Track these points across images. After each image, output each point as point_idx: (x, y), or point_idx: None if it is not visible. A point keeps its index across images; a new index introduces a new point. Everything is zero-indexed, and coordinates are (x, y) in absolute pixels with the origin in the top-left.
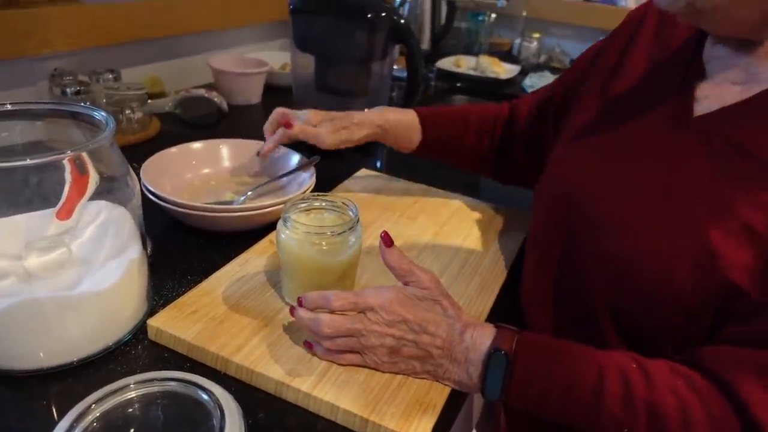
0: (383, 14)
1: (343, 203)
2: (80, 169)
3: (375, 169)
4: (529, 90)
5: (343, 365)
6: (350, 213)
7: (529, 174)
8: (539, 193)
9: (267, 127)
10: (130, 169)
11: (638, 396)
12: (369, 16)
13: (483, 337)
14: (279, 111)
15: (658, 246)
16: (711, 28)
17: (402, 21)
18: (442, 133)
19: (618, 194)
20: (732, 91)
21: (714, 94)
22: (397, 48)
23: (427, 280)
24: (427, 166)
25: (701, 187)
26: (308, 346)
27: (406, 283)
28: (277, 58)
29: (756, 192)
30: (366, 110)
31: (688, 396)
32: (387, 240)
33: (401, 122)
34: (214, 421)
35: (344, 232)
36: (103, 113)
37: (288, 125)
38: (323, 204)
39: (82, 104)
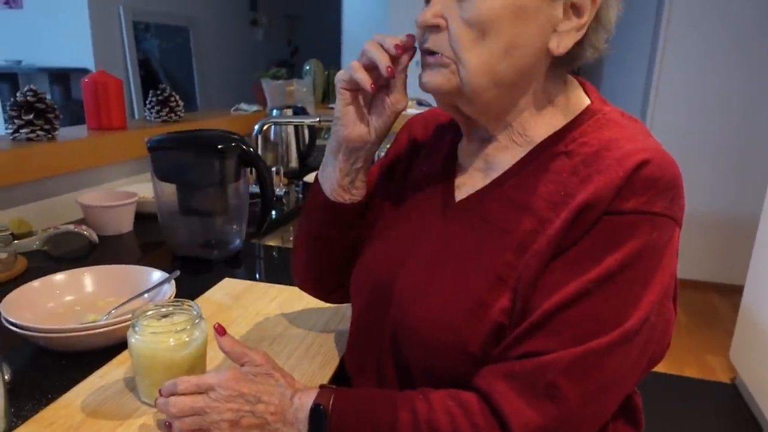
0: (233, 144)
1: (187, 305)
2: None
3: (239, 277)
4: None
5: None
6: (194, 312)
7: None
8: (356, 280)
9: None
10: None
11: (422, 419)
12: (219, 147)
13: (308, 398)
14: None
15: (445, 310)
16: (467, 109)
17: (249, 149)
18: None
19: (412, 273)
20: (479, 178)
21: (468, 182)
22: (248, 170)
23: (259, 358)
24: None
25: (466, 255)
26: (168, 426)
27: (241, 365)
28: (148, 188)
29: (502, 252)
30: None
31: (456, 411)
32: (220, 330)
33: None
34: None
35: (186, 328)
36: None
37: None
38: (169, 308)
39: None
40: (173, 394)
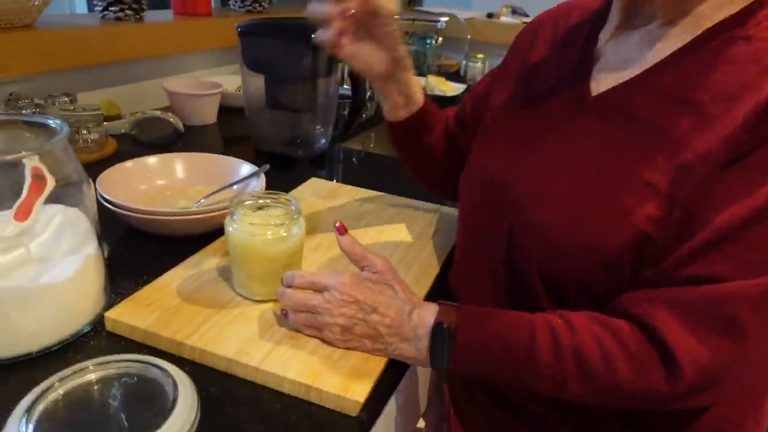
0: None
1: (284, 198)
2: (37, 172)
3: (323, 178)
4: None
5: (308, 335)
6: (292, 207)
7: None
8: (465, 181)
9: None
10: (86, 175)
11: (565, 344)
12: (312, 36)
13: (428, 314)
14: None
15: (576, 210)
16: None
17: None
18: (433, 114)
19: (536, 172)
20: (625, 70)
21: (610, 76)
22: (340, 66)
23: (380, 264)
24: (375, 178)
25: (606, 156)
26: (284, 314)
27: (361, 268)
28: (231, 81)
29: (651, 153)
30: None
31: (604, 336)
32: (341, 229)
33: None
34: (169, 394)
35: (286, 223)
36: (57, 121)
37: None
38: (268, 201)
39: (35, 112)
40: (291, 286)
